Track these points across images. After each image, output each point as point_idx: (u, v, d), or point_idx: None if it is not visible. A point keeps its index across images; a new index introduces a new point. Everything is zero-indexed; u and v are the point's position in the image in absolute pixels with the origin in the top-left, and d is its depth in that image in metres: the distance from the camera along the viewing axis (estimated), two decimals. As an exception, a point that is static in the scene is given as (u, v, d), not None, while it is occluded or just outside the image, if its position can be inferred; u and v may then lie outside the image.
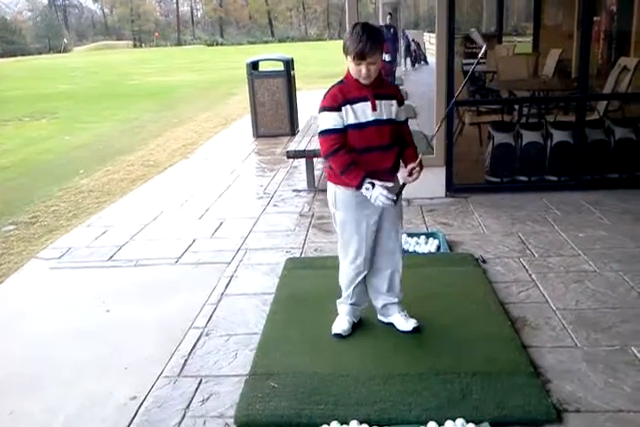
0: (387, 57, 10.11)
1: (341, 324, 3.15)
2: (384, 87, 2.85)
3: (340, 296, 3.21)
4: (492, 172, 5.74)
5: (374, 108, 2.78)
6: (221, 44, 56.96)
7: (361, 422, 2.45)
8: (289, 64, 9.08)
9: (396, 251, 3.08)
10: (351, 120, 2.77)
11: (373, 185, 2.74)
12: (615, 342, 2.99)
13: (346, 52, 2.71)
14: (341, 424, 2.45)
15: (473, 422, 2.42)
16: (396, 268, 3.09)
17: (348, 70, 2.78)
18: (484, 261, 4.03)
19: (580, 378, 2.71)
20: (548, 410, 2.48)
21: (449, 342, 3.05)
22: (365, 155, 2.80)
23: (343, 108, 2.76)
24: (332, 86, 2.84)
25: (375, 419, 2.48)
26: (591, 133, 5.57)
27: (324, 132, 2.81)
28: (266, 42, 54.54)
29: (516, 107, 6.95)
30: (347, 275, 3.12)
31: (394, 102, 2.84)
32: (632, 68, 6.07)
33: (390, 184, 2.80)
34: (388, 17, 11.52)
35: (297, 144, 6.39)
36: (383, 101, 2.80)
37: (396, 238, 3.06)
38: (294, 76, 9.27)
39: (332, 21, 65.28)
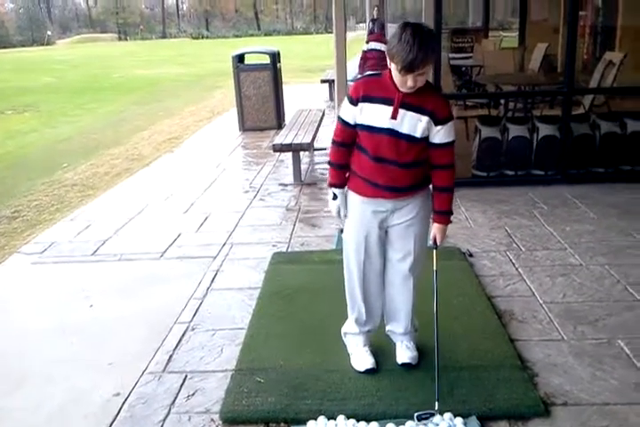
0: (382, 47, 10.07)
1: (365, 359, 2.78)
2: (422, 97, 2.41)
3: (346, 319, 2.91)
4: (478, 166, 5.74)
5: (394, 116, 2.41)
6: (207, 38, 56.51)
7: (348, 417, 2.44)
8: (275, 57, 9.02)
9: (407, 277, 2.72)
10: (363, 120, 2.47)
11: (335, 197, 2.67)
12: (601, 335, 3.00)
13: (391, 57, 2.30)
14: (328, 419, 2.43)
15: (460, 416, 2.42)
16: (404, 297, 2.76)
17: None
18: (470, 255, 4.02)
19: (566, 371, 2.71)
20: (536, 403, 2.48)
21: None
22: (376, 164, 2.51)
23: (360, 104, 2.45)
24: (366, 75, 2.60)
25: (362, 414, 2.47)
26: (577, 128, 5.58)
27: (339, 118, 2.57)
28: (252, 35, 54.20)
29: (503, 101, 6.95)
30: (351, 297, 2.82)
31: (424, 119, 2.40)
32: (617, 63, 6.08)
33: (342, 207, 2.67)
34: (375, 10, 11.49)
35: (283, 138, 6.35)
36: (410, 113, 2.40)
37: (410, 262, 2.68)
38: (280, 70, 9.20)
39: (319, 15, 65.05)
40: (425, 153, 2.52)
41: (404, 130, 2.43)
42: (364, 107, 2.45)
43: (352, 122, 2.52)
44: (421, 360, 2.80)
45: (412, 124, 2.42)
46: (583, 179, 5.55)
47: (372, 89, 2.45)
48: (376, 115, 2.44)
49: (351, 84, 2.60)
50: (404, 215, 2.62)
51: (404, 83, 2.34)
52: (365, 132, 2.49)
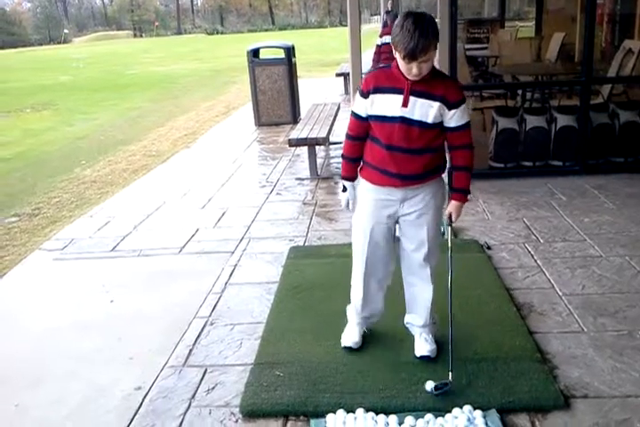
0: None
1: (351, 335, 2.91)
2: (431, 84, 2.45)
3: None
4: (495, 157, 5.70)
5: (405, 104, 2.45)
6: (222, 33, 56.66)
7: (367, 411, 2.44)
8: (290, 51, 9.01)
9: (423, 266, 2.73)
10: (375, 111, 2.52)
11: (345, 190, 2.77)
12: (622, 326, 2.97)
13: (394, 46, 2.37)
14: (347, 413, 2.44)
15: (480, 408, 2.41)
16: (421, 287, 2.78)
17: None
18: (488, 248, 4.00)
19: (587, 363, 2.69)
20: (556, 396, 2.47)
21: (454, 328, 3.02)
22: (388, 152, 2.54)
23: (371, 96, 2.51)
24: (377, 68, 2.66)
25: (381, 407, 2.47)
26: (596, 117, 5.51)
27: (352, 113, 2.64)
28: (266, 30, 54.22)
29: (520, 91, 6.88)
30: (354, 281, 2.88)
31: (435, 104, 2.44)
32: (636, 51, 6.00)
33: (350, 200, 2.77)
34: (390, 2, 11.41)
35: (299, 132, 6.35)
36: (420, 100, 2.45)
37: (424, 252, 2.70)
38: (295, 64, 9.19)
39: (333, 8, 64.83)
40: (437, 140, 2.57)
41: (416, 117, 2.47)
42: (376, 98, 2.51)
43: (364, 115, 2.57)
44: (439, 353, 2.79)
45: (424, 110, 2.47)
46: (602, 169, 5.49)
47: (381, 80, 2.52)
48: (387, 104, 2.49)
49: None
50: (415, 205, 2.64)
51: (409, 70, 2.40)
52: (378, 122, 2.54)
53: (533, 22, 9.68)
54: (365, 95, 2.53)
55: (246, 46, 9.28)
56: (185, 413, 2.55)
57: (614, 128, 5.56)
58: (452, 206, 2.71)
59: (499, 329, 2.99)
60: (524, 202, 4.86)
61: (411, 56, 2.33)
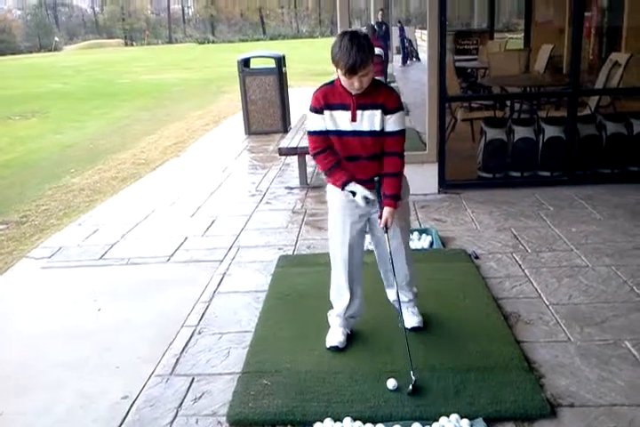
0: (377, 51, 10.08)
1: (336, 336, 3.01)
2: (372, 95, 2.66)
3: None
4: (484, 168, 5.74)
5: (354, 119, 2.67)
6: (213, 42, 56.76)
7: (354, 420, 2.44)
8: (280, 61, 9.05)
9: (400, 250, 2.95)
10: (330, 126, 2.72)
11: (354, 194, 2.79)
12: (608, 336, 2.99)
13: (336, 64, 2.55)
14: (335, 422, 2.44)
15: (467, 417, 2.42)
16: (402, 264, 2.97)
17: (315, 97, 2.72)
18: (476, 257, 4.02)
19: (573, 373, 2.71)
20: (542, 405, 2.48)
21: (442, 338, 3.04)
22: (348, 163, 2.78)
23: (325, 112, 2.70)
24: (321, 86, 2.76)
25: (368, 416, 2.47)
26: (583, 129, 5.57)
27: (309, 133, 2.82)
28: (257, 39, 54.39)
29: (508, 102, 6.95)
30: (336, 286, 3.02)
31: (378, 112, 2.65)
32: (623, 64, 6.07)
33: (369, 193, 2.78)
34: (380, 13, 11.51)
35: (289, 141, 6.37)
36: (367, 111, 2.66)
37: (399, 237, 2.93)
38: (286, 73, 9.23)
39: (324, 18, 65.16)
40: (384, 143, 2.76)
41: (365, 128, 2.69)
42: (327, 114, 2.70)
43: (324, 128, 2.74)
44: (427, 363, 2.80)
45: (371, 120, 2.68)
46: (589, 180, 5.54)
47: (329, 97, 2.70)
48: (339, 120, 2.70)
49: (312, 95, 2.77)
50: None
51: (351, 85, 2.59)
52: (335, 136, 2.74)
53: (522, 34, 9.77)
54: (319, 111, 2.70)
55: (237, 56, 9.31)
56: (172, 422, 2.53)
57: (601, 139, 5.62)
58: (386, 212, 2.78)
59: (486, 338, 3.00)
60: (512, 212, 4.90)
61: (351, 71, 2.51)
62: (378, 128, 2.68)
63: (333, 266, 3.02)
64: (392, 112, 2.67)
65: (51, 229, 5.22)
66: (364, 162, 2.77)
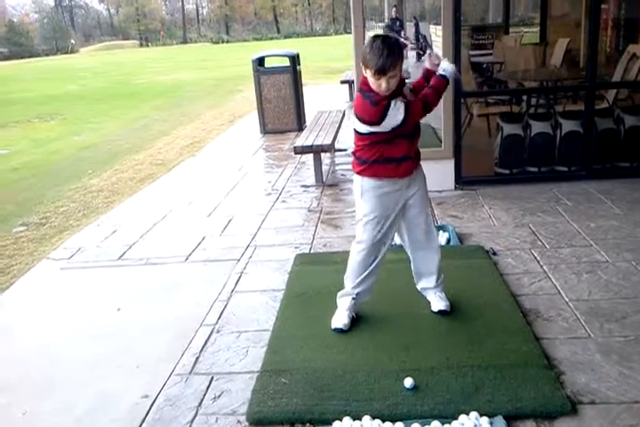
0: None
1: (341, 318, 3.14)
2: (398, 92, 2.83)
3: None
4: (501, 163, 5.70)
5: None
6: (227, 42, 56.96)
7: (373, 418, 2.44)
8: (295, 59, 9.05)
9: (429, 234, 3.14)
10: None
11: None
12: (629, 332, 2.96)
13: (366, 65, 2.71)
14: (354, 420, 2.44)
15: (486, 415, 2.40)
16: (432, 255, 3.18)
17: (364, 79, 2.79)
18: (494, 254, 4.00)
19: (594, 369, 2.68)
20: (563, 402, 2.46)
21: (461, 335, 3.03)
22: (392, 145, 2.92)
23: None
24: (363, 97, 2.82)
25: (387, 414, 2.47)
26: (601, 122, 5.51)
27: (363, 133, 2.92)
28: (271, 38, 54.46)
29: (525, 97, 6.88)
30: (356, 264, 3.16)
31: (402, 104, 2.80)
32: (641, 56, 5.99)
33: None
34: (394, 9, 11.46)
35: (304, 139, 6.37)
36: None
37: (428, 222, 3.13)
38: (300, 72, 9.23)
39: (338, 16, 65.04)
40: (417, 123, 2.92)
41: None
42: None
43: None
44: (445, 361, 2.79)
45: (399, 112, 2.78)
46: (608, 174, 5.48)
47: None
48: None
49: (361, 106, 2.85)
50: (418, 183, 3.06)
51: (379, 86, 2.73)
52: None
53: (538, 28, 9.67)
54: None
55: (251, 55, 9.33)
56: (192, 421, 2.55)
57: (619, 133, 5.56)
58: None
59: (505, 335, 2.98)
60: (529, 208, 4.86)
61: (380, 71, 2.66)
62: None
63: (358, 249, 3.12)
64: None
65: (70, 230, 5.27)
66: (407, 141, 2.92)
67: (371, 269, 3.13)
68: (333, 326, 3.12)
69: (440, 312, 3.19)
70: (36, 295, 4.00)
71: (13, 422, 2.66)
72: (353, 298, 3.17)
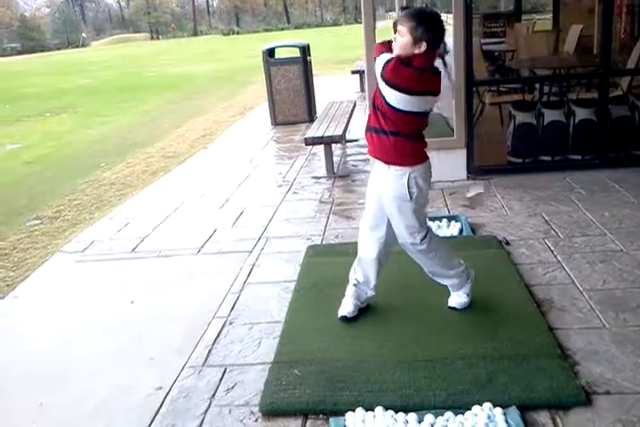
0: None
1: (346, 306, 3.18)
2: None
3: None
4: (513, 152, 5.65)
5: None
6: (237, 33, 56.88)
7: (386, 409, 2.44)
8: (305, 50, 9.00)
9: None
10: None
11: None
12: (644, 322, 2.93)
13: (432, 45, 2.67)
14: (366, 411, 2.44)
15: (500, 406, 2.39)
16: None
17: (424, 59, 2.68)
18: (507, 243, 3.97)
19: (608, 359, 2.66)
20: (577, 392, 2.44)
21: (474, 325, 3.02)
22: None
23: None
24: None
25: (400, 405, 2.46)
26: (615, 110, 5.44)
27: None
28: (282, 29, 54.29)
29: (537, 85, 6.81)
30: (368, 257, 3.18)
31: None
32: (656, 42, 5.90)
33: None
34: (404, -2, 11.33)
35: (315, 130, 6.35)
36: None
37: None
38: (311, 63, 9.19)
39: (348, 6, 64.68)
40: None
41: None
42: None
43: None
44: (459, 351, 2.78)
45: None
46: (622, 162, 5.41)
47: None
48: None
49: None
50: None
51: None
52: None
53: (550, 15, 9.56)
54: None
55: (262, 46, 9.30)
56: (205, 412, 2.56)
57: (634, 121, 5.49)
58: None
59: (519, 325, 2.97)
60: (542, 197, 4.82)
61: (394, 23, 2.72)
62: None
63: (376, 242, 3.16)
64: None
65: (83, 223, 5.30)
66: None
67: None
68: (339, 315, 3.15)
69: (450, 308, 3.19)
70: (50, 288, 4.04)
71: (30, 413, 2.69)
72: (354, 284, 3.19)
